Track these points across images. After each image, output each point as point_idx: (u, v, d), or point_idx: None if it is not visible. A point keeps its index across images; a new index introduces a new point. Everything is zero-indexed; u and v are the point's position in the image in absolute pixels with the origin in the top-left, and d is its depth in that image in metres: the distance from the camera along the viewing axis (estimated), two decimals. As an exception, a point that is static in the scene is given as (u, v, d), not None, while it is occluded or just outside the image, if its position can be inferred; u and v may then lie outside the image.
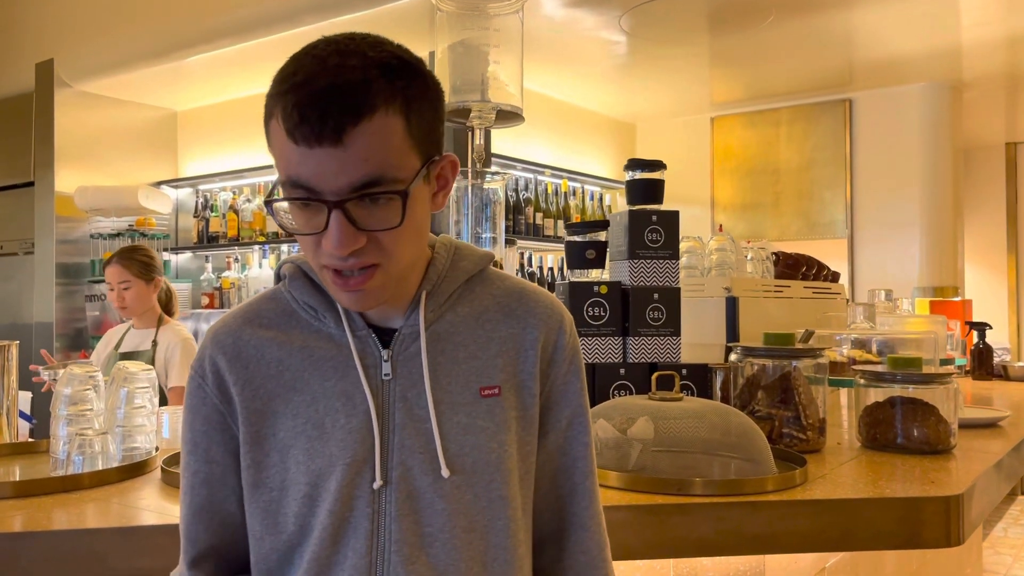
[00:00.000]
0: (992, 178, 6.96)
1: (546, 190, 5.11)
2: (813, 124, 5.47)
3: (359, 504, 0.84)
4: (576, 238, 1.92)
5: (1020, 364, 3.32)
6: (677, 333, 1.80)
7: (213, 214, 5.05)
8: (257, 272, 4.82)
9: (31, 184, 4.80)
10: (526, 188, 4.97)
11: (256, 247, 4.83)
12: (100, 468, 1.49)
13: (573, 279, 1.87)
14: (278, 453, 0.86)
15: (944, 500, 1.30)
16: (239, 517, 0.89)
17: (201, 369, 0.90)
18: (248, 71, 4.58)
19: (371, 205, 0.78)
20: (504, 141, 4.68)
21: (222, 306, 4.84)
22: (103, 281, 4.71)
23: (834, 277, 3.08)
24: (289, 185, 0.79)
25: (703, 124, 5.87)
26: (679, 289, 1.83)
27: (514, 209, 4.83)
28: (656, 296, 1.79)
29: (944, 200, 5.17)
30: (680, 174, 5.24)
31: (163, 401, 2.81)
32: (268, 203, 0.81)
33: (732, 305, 2.32)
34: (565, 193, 5.26)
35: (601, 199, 5.66)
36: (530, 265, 4.93)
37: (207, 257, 5.16)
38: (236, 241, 4.92)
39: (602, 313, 1.78)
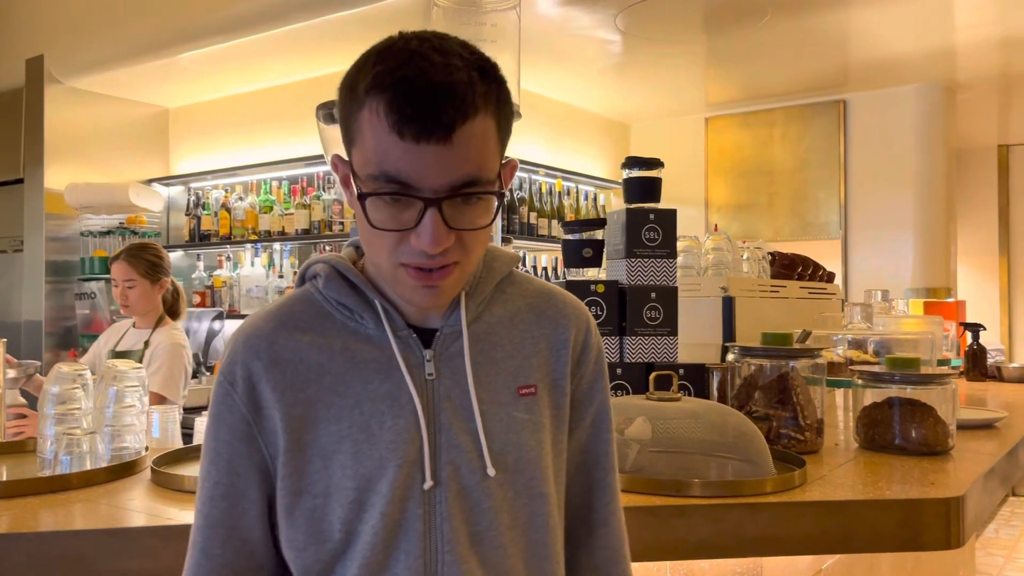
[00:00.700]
0: (985, 180, 6.99)
1: (540, 189, 5.09)
2: (807, 125, 5.47)
3: (411, 505, 0.83)
4: (573, 237, 1.90)
5: (1014, 365, 3.32)
6: (674, 333, 1.79)
7: (205, 212, 5.02)
8: (249, 271, 4.79)
9: (20, 181, 4.76)
10: (520, 187, 4.96)
11: (248, 245, 4.79)
12: (88, 468, 1.47)
13: (570, 278, 1.86)
14: (321, 459, 0.85)
15: (944, 502, 1.29)
16: (256, 533, 0.88)
17: (231, 376, 0.87)
18: (241, 68, 4.55)
19: (462, 204, 0.80)
20: (498, 140, 4.66)
21: (213, 304, 4.80)
22: (93, 279, 4.71)
23: (829, 277, 3.07)
24: (382, 179, 0.78)
25: (697, 124, 5.87)
26: (676, 288, 1.81)
27: (508, 208, 4.82)
28: (653, 295, 1.78)
29: (937, 201, 5.18)
30: (674, 174, 5.19)
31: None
32: (363, 196, 0.80)
33: (728, 305, 2.30)
34: (559, 193, 5.25)
35: (595, 199, 5.65)
36: (524, 265, 4.91)
37: (199, 255, 5.12)
38: (228, 239, 4.88)
39: (599, 312, 1.76)
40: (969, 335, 3.39)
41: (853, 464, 1.55)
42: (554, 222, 5.09)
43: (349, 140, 0.82)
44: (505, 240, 4.40)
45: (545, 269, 5.12)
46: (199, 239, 5.04)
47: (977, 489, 1.41)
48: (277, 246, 4.71)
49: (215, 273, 4.89)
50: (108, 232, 4.79)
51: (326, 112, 1.81)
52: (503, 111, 0.82)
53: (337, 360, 0.86)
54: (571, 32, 4.19)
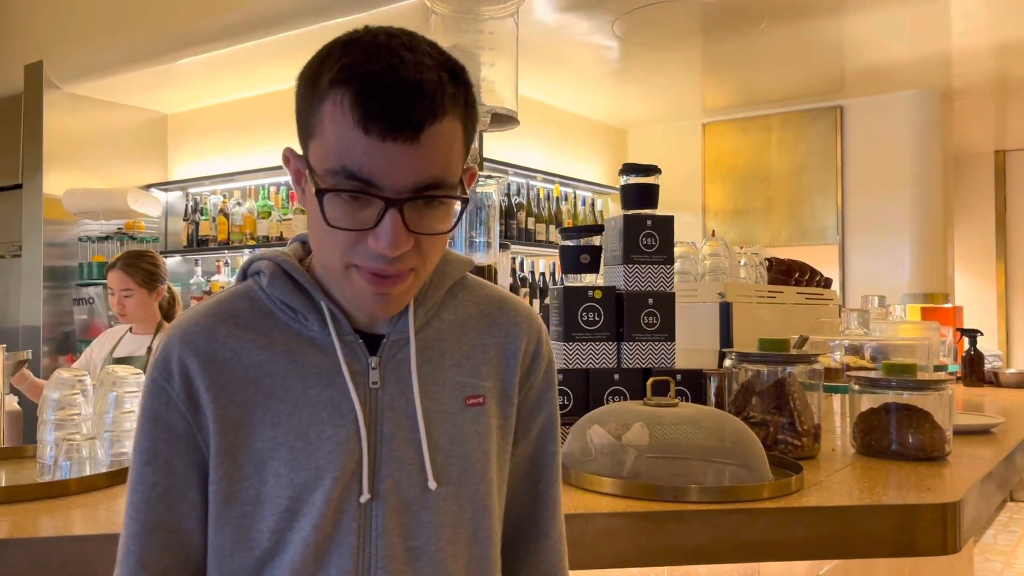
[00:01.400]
0: (981, 186, 7.01)
1: (538, 195, 5.10)
2: (804, 130, 5.48)
3: (345, 519, 0.80)
4: (570, 242, 1.91)
5: (1011, 371, 3.33)
6: (671, 338, 1.79)
7: (203, 217, 5.02)
8: (247, 276, 4.79)
9: (19, 187, 4.76)
10: (518, 193, 4.97)
11: (246, 251, 4.80)
12: (88, 474, 1.47)
13: (567, 283, 1.86)
14: (253, 465, 0.81)
15: (941, 507, 1.29)
16: (196, 536, 0.83)
17: (166, 371, 0.82)
18: (239, 74, 4.56)
19: (424, 207, 0.77)
20: (496, 146, 4.68)
21: (212, 310, 4.80)
22: (91, 284, 4.71)
23: (826, 283, 3.08)
24: (343, 175, 0.74)
25: (695, 130, 5.88)
26: (674, 294, 1.82)
27: (506, 214, 4.83)
28: (651, 301, 1.78)
29: (934, 207, 5.19)
30: (672, 180, 5.21)
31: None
32: (322, 192, 0.75)
33: (725, 310, 2.31)
34: (557, 198, 5.26)
35: (593, 204, 5.66)
36: (522, 270, 4.92)
37: (196, 261, 5.12)
38: (226, 245, 4.89)
39: (596, 318, 1.77)
40: (966, 341, 3.40)
41: (850, 469, 1.56)
42: (552, 227, 5.10)
43: (307, 134, 0.78)
44: (503, 246, 4.40)
45: (543, 275, 5.12)
46: (197, 244, 5.04)
47: (974, 494, 1.41)
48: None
49: (213, 278, 4.90)
50: (106, 237, 4.79)
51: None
52: (470, 115, 0.79)
53: (278, 362, 0.82)
54: (569, 38, 4.20)
